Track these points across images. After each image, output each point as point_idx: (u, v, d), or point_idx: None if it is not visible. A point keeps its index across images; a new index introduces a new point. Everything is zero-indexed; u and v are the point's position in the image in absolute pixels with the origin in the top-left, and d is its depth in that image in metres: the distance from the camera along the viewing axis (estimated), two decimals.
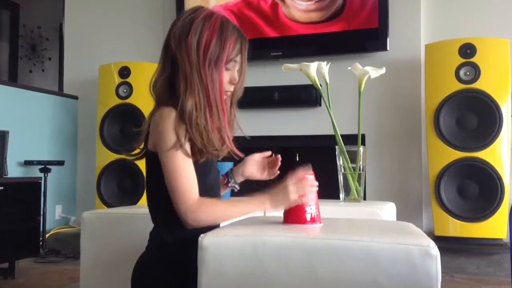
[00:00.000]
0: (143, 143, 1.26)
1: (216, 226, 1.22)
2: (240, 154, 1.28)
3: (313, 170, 1.25)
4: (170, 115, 1.17)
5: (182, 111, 1.16)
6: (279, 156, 1.44)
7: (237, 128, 1.33)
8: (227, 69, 1.23)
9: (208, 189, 1.24)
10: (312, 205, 1.22)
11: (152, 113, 1.22)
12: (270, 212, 1.27)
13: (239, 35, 1.24)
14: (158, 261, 1.22)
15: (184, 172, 1.16)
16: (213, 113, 1.19)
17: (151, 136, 1.21)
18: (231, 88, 1.28)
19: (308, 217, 1.21)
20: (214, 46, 1.19)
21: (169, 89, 1.22)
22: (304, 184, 1.22)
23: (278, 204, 1.22)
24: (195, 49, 1.19)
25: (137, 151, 1.29)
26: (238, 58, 1.25)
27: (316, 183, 1.24)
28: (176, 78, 1.21)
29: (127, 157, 1.33)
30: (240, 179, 1.48)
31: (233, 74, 1.25)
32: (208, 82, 1.19)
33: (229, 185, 1.46)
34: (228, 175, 1.47)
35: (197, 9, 1.24)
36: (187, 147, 1.17)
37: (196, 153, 1.18)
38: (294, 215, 1.22)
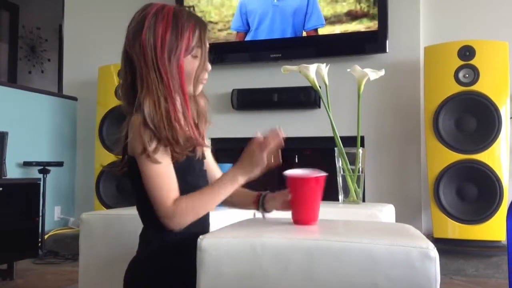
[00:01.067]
0: (122, 155, 1.24)
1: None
2: (205, 144, 1.24)
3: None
4: (137, 122, 1.14)
5: (143, 116, 1.13)
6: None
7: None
8: (194, 56, 1.20)
9: (191, 189, 1.19)
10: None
11: (127, 120, 1.19)
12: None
13: (196, 21, 1.21)
14: (147, 263, 1.21)
15: (157, 179, 1.13)
16: (176, 106, 1.16)
17: (129, 142, 1.18)
18: (206, 75, 1.25)
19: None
20: (170, 36, 1.16)
21: (132, 95, 1.19)
22: (265, 143, 1.16)
23: (249, 174, 1.18)
24: (151, 46, 1.15)
25: (115, 161, 1.27)
26: (200, 43, 1.21)
27: (281, 138, 1.17)
28: (136, 82, 1.18)
29: (110, 170, 1.31)
30: (271, 208, 1.33)
31: (204, 60, 1.22)
32: (168, 76, 1.15)
33: (259, 210, 1.35)
34: (259, 201, 1.33)
35: (147, 6, 1.21)
36: (161, 151, 1.13)
37: (172, 154, 1.16)
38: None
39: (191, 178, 1.22)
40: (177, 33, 1.17)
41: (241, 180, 1.19)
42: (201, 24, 1.22)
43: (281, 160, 1.20)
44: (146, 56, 1.15)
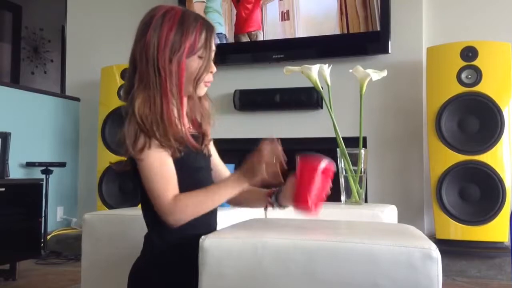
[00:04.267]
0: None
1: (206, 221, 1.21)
2: (196, 145, 1.22)
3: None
4: (130, 123, 1.15)
5: (132, 110, 1.14)
6: None
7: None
8: (200, 57, 1.21)
9: (196, 184, 1.19)
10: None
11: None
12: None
13: (204, 23, 1.22)
14: (150, 264, 1.22)
15: (154, 175, 1.13)
16: (170, 105, 1.16)
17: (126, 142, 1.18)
18: (210, 77, 1.26)
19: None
20: (174, 36, 1.17)
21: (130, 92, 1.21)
22: (272, 148, 1.16)
23: (253, 178, 1.17)
24: (154, 44, 1.17)
25: (123, 160, 1.26)
26: (206, 45, 1.22)
27: (279, 150, 1.17)
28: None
29: (115, 169, 1.29)
30: (287, 203, 1.29)
31: (207, 62, 1.23)
32: (166, 75, 1.16)
33: (273, 208, 1.31)
34: (272, 197, 1.30)
35: (156, 7, 1.23)
36: (154, 146, 1.13)
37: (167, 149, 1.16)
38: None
39: (193, 174, 1.22)
40: (182, 33, 1.18)
41: (245, 184, 1.19)
42: (208, 26, 1.23)
43: (281, 179, 1.19)
44: (147, 54, 1.17)
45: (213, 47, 1.24)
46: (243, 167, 1.19)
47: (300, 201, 1.20)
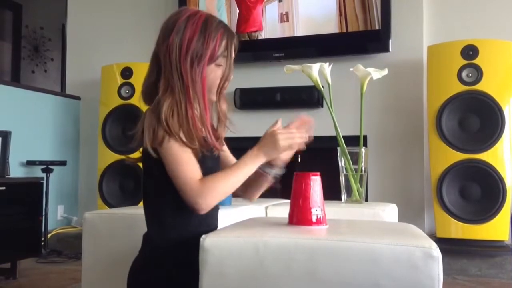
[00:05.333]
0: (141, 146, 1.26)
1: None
2: (220, 148, 1.26)
3: (316, 171, 1.24)
4: (152, 117, 1.16)
5: (158, 113, 1.15)
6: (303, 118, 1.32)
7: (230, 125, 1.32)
8: (218, 65, 1.22)
9: None
10: (318, 206, 1.21)
11: (144, 114, 1.21)
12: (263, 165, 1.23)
13: (225, 31, 1.23)
14: (149, 264, 1.22)
15: (179, 162, 1.14)
16: (194, 110, 1.18)
17: (144, 136, 1.19)
18: (226, 84, 1.26)
19: (314, 218, 1.21)
20: (196, 43, 1.18)
21: (154, 92, 1.21)
22: (291, 129, 1.24)
23: (270, 153, 1.21)
24: (176, 48, 1.17)
25: (137, 154, 1.29)
26: (226, 53, 1.23)
27: (305, 135, 1.25)
28: (159, 81, 1.20)
29: (128, 160, 1.33)
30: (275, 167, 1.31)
31: (229, 71, 1.24)
32: (189, 80, 1.17)
33: (270, 176, 1.30)
34: (262, 169, 1.29)
35: (181, 10, 1.24)
36: (174, 140, 1.15)
37: None
38: (299, 216, 1.22)
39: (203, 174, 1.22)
40: (204, 40, 1.19)
41: (263, 159, 1.21)
42: (229, 34, 1.23)
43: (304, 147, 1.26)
44: (171, 57, 1.18)
45: (233, 55, 1.25)
46: (261, 144, 1.22)
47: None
